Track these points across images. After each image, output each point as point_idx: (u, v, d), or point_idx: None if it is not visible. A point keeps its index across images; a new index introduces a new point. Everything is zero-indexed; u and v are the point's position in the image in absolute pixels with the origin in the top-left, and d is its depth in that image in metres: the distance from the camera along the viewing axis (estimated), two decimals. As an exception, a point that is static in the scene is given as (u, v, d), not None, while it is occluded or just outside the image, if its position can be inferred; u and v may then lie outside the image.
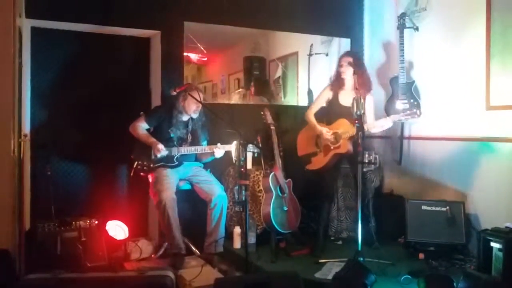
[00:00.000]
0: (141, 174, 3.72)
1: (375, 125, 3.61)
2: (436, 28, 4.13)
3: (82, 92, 4.11)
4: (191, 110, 3.78)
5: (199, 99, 3.67)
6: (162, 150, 3.65)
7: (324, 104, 3.88)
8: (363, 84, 3.64)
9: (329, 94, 3.84)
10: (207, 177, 3.86)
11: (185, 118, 3.84)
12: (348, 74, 3.72)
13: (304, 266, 3.35)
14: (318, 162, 3.77)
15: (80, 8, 3.84)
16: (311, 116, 3.85)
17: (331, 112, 3.82)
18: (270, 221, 3.73)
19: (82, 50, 4.11)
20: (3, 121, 2.97)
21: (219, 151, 3.74)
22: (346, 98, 3.72)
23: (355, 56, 3.81)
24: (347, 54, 3.88)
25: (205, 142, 3.94)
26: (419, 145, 4.29)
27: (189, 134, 3.85)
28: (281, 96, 4.91)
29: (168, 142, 3.74)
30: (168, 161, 3.73)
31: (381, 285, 2.94)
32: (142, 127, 3.75)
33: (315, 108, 3.89)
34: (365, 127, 3.43)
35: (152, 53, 4.35)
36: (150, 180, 3.71)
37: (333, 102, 3.81)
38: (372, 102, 3.79)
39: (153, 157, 3.69)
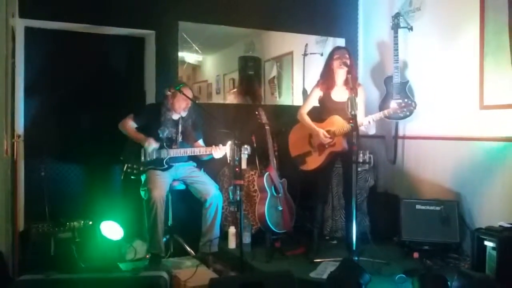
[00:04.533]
0: (132, 177, 3.67)
1: (369, 120, 3.50)
2: (430, 28, 4.14)
3: (76, 93, 4.10)
4: (181, 107, 3.74)
5: (189, 96, 3.65)
6: (153, 143, 3.61)
7: (316, 103, 3.80)
8: (355, 81, 3.56)
9: (320, 93, 3.74)
10: (201, 177, 3.84)
11: (175, 117, 3.80)
12: (341, 71, 3.61)
13: (299, 266, 3.36)
14: (313, 162, 3.71)
15: (74, 7, 3.82)
16: (304, 115, 3.75)
17: (324, 109, 3.73)
18: (265, 221, 3.73)
19: (76, 50, 4.09)
20: (-4, 121, 2.96)
21: (218, 152, 3.70)
22: (338, 93, 3.66)
23: (350, 54, 3.67)
24: (343, 50, 3.69)
25: (200, 140, 3.93)
26: (413, 145, 4.30)
27: (179, 134, 3.80)
28: (276, 95, 4.91)
29: (156, 143, 3.69)
30: (157, 164, 3.69)
31: (376, 284, 2.94)
32: (130, 125, 3.73)
33: (307, 108, 3.79)
34: (360, 123, 3.36)
35: (147, 53, 4.34)
36: (142, 179, 3.70)
37: (326, 99, 3.70)
38: (363, 96, 3.70)
39: (142, 159, 3.67)
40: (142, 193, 3.62)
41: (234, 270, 3.46)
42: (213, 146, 3.72)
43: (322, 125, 3.67)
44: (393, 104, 3.62)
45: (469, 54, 3.76)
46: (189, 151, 3.76)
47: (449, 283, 2.70)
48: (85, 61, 4.14)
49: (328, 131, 3.59)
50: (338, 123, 3.56)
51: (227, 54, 4.82)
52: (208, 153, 3.74)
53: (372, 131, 3.81)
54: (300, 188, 4.14)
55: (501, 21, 3.51)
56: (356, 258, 3.17)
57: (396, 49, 4.15)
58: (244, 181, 3.89)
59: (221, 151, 3.71)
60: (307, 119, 3.74)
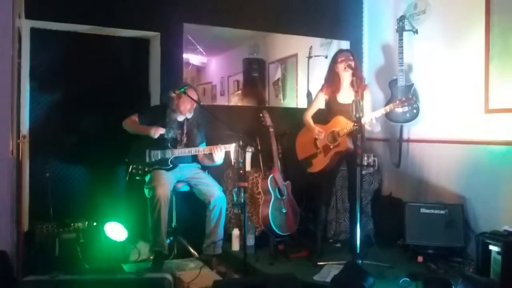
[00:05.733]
0: (137, 178, 3.68)
1: (372, 117, 3.50)
2: (436, 31, 4.13)
3: (81, 94, 4.11)
4: (186, 109, 3.75)
5: (194, 98, 3.66)
6: (160, 129, 3.61)
7: (322, 106, 3.81)
8: (360, 83, 3.56)
9: (325, 97, 3.75)
10: (206, 179, 3.84)
11: (180, 118, 3.80)
12: (347, 74, 3.63)
13: (302, 269, 3.35)
14: (319, 163, 3.69)
15: (79, 9, 3.84)
16: (308, 117, 3.79)
17: (330, 111, 3.73)
18: (269, 223, 3.72)
19: (81, 51, 4.11)
20: (2, 122, 2.96)
21: (218, 155, 3.68)
22: (344, 95, 3.66)
23: (355, 56, 3.68)
24: (346, 53, 3.70)
25: (203, 144, 3.92)
26: (418, 148, 4.29)
27: (184, 135, 3.81)
28: (280, 98, 4.91)
29: (161, 144, 3.70)
30: (162, 164, 3.69)
31: (380, 288, 2.94)
32: (135, 120, 3.73)
33: (312, 110, 3.81)
34: (363, 122, 3.35)
35: (152, 55, 4.35)
36: (147, 179, 3.70)
37: (332, 101, 3.71)
38: (370, 97, 3.71)
39: (147, 160, 3.68)
40: (146, 191, 3.63)
41: (237, 272, 3.45)
42: (219, 145, 3.69)
43: (326, 127, 3.68)
44: (398, 108, 3.63)
45: (474, 58, 3.75)
46: (193, 150, 3.76)
47: (453, 287, 2.69)
48: (90, 62, 4.14)
49: (332, 132, 3.60)
50: (341, 123, 3.56)
51: (231, 56, 4.82)
52: (210, 152, 3.72)
53: (377, 128, 3.81)
54: (300, 189, 4.13)
55: (507, 24, 3.50)
56: (360, 261, 3.17)
57: (401, 52, 4.14)
58: (248, 183, 3.89)
59: (220, 153, 3.67)
60: (309, 120, 3.79)
